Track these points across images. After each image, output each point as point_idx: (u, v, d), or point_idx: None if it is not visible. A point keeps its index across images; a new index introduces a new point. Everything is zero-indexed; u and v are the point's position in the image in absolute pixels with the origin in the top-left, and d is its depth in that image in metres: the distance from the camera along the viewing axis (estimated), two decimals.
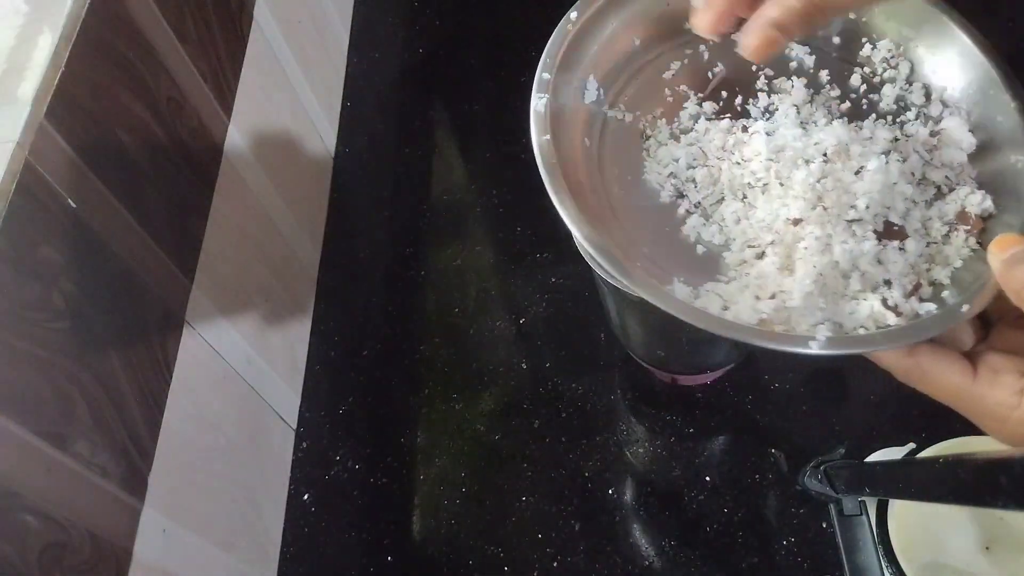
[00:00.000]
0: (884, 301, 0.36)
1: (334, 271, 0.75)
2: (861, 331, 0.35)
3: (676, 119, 0.43)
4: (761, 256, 0.38)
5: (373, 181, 0.80)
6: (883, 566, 0.50)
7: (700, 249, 0.39)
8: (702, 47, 0.44)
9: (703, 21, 0.37)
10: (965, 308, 0.34)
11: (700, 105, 0.43)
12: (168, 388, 0.48)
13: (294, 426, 0.66)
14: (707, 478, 0.59)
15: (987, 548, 0.50)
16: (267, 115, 0.67)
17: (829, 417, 0.60)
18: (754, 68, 0.44)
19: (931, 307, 0.36)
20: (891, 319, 0.35)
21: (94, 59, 0.44)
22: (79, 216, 0.42)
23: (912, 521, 0.50)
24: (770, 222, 0.38)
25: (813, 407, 0.60)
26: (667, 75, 0.44)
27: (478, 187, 0.77)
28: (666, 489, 0.59)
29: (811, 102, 0.43)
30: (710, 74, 0.44)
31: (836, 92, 0.43)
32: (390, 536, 0.61)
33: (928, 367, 0.34)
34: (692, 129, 0.43)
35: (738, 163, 0.41)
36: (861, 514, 0.53)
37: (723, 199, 0.40)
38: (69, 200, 0.41)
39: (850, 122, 0.42)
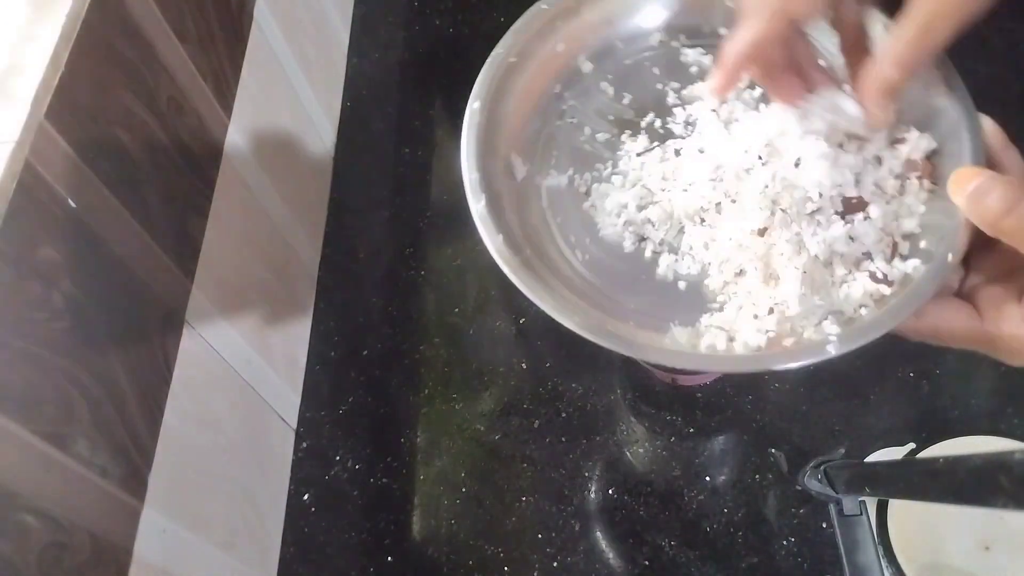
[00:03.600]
0: (872, 275, 0.36)
1: (334, 271, 0.75)
2: (863, 312, 0.35)
3: (607, 166, 0.42)
4: (741, 273, 0.38)
5: (373, 181, 0.80)
6: (883, 566, 0.50)
7: (681, 285, 0.39)
8: (603, 84, 0.44)
9: (715, 83, 0.37)
10: (950, 257, 0.34)
11: (622, 144, 0.43)
12: (168, 388, 0.48)
13: (294, 426, 0.66)
14: (707, 478, 0.59)
15: (987, 548, 0.50)
16: (267, 115, 0.67)
17: (829, 417, 0.60)
18: (660, 86, 0.43)
19: (916, 263, 0.35)
20: (885, 290, 0.35)
21: (94, 59, 0.44)
22: (79, 216, 0.42)
23: (912, 521, 0.50)
24: (739, 239, 0.38)
25: (813, 407, 0.60)
26: (585, 130, 0.43)
27: None
28: (666, 489, 0.59)
29: (725, 101, 0.42)
30: (622, 108, 0.43)
31: (743, 82, 0.42)
32: (390, 536, 0.61)
33: (937, 324, 0.34)
34: (628, 170, 0.42)
35: (684, 190, 0.40)
36: (861, 514, 0.53)
37: (683, 229, 0.40)
38: (69, 200, 0.41)
39: (767, 105, 0.41)
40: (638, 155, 0.42)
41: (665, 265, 0.39)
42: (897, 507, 0.51)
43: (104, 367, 0.42)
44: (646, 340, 0.36)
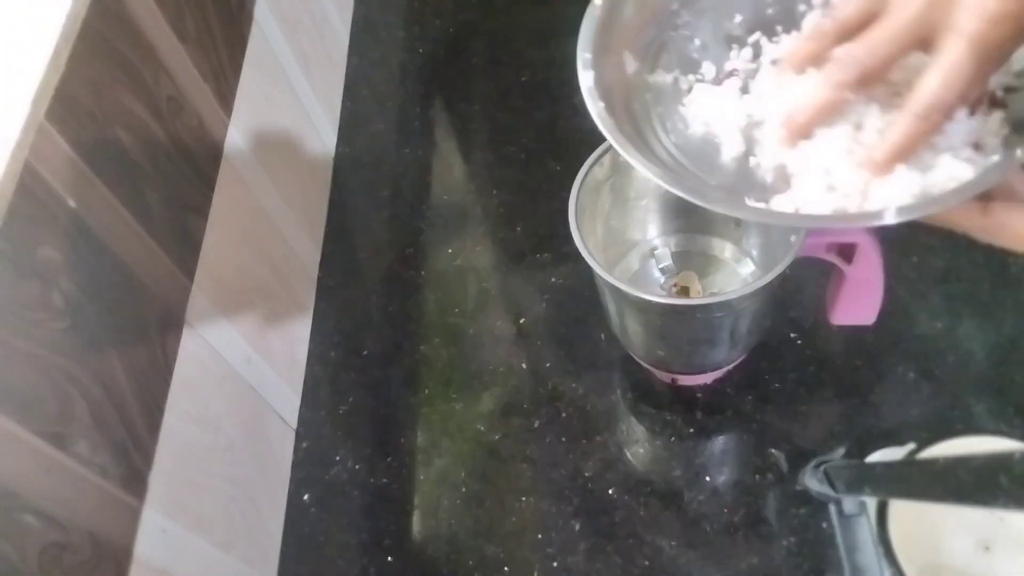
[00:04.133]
0: (955, 154, 0.36)
1: (334, 271, 0.75)
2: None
3: (712, 71, 0.44)
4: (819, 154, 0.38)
5: (373, 181, 0.80)
6: (883, 566, 0.50)
7: (763, 172, 0.40)
8: (718, 3, 0.45)
9: (795, 59, 0.39)
10: (1020, 152, 0.34)
11: (729, 56, 0.44)
12: (168, 388, 0.48)
13: (294, 426, 0.66)
14: (707, 478, 0.59)
15: (987, 548, 0.50)
16: (267, 115, 0.67)
17: (829, 417, 0.60)
18: (770, 11, 0.45)
19: (996, 157, 0.35)
20: (967, 173, 0.35)
21: (94, 59, 0.44)
22: (79, 216, 0.42)
23: (912, 521, 0.50)
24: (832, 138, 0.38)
25: (813, 407, 0.60)
26: (696, 41, 0.45)
27: (478, 187, 0.77)
28: (666, 489, 0.59)
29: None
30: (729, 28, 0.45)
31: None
32: (390, 536, 0.61)
33: (1004, 220, 0.34)
34: (727, 78, 0.43)
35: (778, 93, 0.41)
36: (861, 514, 0.53)
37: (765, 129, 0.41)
38: (69, 200, 0.41)
39: None
40: (752, 63, 0.43)
41: (747, 156, 0.40)
42: (897, 507, 0.51)
43: (104, 367, 0.42)
44: (715, 195, 0.38)
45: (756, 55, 0.44)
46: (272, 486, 0.62)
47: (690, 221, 0.62)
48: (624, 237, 0.61)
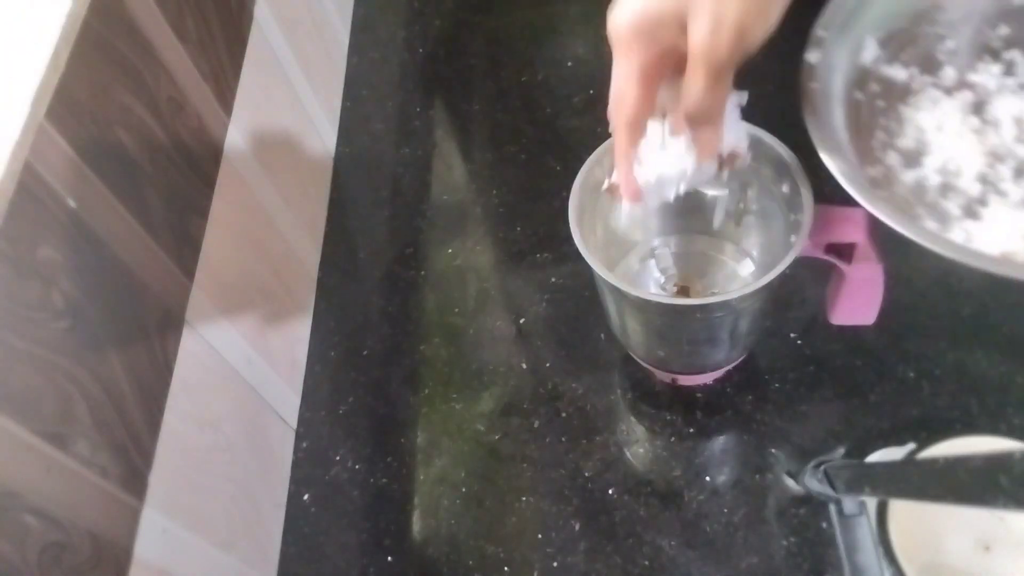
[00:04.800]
0: None
1: (334, 271, 0.75)
2: None
3: (952, 79, 0.41)
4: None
5: (373, 181, 0.80)
6: (883, 566, 0.50)
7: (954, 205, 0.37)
8: (983, 6, 0.42)
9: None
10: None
11: (976, 69, 0.41)
12: (168, 388, 0.48)
13: (294, 426, 0.66)
14: (707, 478, 0.59)
15: (987, 548, 0.50)
16: (267, 115, 0.67)
17: (829, 417, 0.60)
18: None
19: None
20: None
21: (94, 59, 0.44)
22: (79, 216, 0.42)
23: (912, 521, 0.50)
24: None
25: (813, 407, 0.60)
26: (947, 42, 0.42)
27: (478, 187, 0.77)
28: (666, 489, 0.59)
29: None
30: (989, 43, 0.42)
31: None
32: (390, 536, 0.61)
33: None
34: (963, 90, 0.41)
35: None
36: (861, 514, 0.53)
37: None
38: (69, 200, 0.41)
39: None
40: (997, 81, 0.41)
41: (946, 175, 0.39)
42: (897, 507, 0.51)
43: (104, 367, 0.42)
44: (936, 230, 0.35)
45: (1007, 72, 0.40)
46: (272, 486, 0.62)
47: (690, 221, 0.62)
48: (624, 237, 0.61)
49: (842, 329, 0.57)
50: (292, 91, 0.73)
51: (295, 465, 0.65)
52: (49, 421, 0.38)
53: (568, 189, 0.52)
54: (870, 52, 0.41)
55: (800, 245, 0.47)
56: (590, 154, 0.53)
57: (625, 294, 0.49)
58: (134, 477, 0.44)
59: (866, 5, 0.40)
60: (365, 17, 0.92)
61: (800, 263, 0.48)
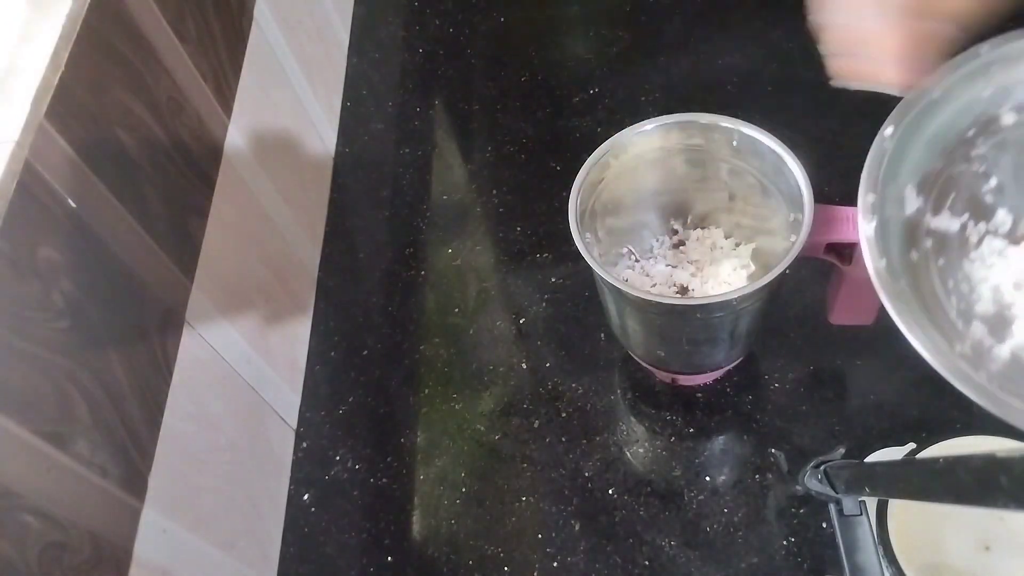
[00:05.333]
0: None
1: (334, 271, 0.75)
2: None
3: (1008, 222, 0.38)
4: None
5: (373, 181, 0.80)
6: (883, 566, 0.50)
7: None
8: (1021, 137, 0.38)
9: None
10: None
11: None
12: (168, 388, 0.48)
13: (294, 426, 0.66)
14: (707, 478, 0.59)
15: (987, 548, 0.50)
16: (267, 115, 0.67)
17: (829, 417, 0.60)
18: None
19: None
20: None
21: (94, 59, 0.44)
22: (79, 216, 0.42)
23: (912, 521, 0.50)
24: None
25: (813, 407, 0.60)
26: (992, 180, 0.39)
27: (478, 187, 0.77)
28: (666, 489, 0.59)
29: None
30: None
31: None
32: (390, 536, 0.61)
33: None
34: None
35: None
36: (861, 514, 0.53)
37: None
38: (69, 200, 0.41)
39: None
40: None
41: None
42: (897, 507, 0.51)
43: (104, 367, 0.42)
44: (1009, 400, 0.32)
45: None
46: (272, 486, 0.62)
47: (689, 221, 0.62)
48: (624, 237, 0.61)
49: (842, 329, 0.57)
50: (292, 91, 0.73)
51: (295, 465, 0.65)
52: (49, 421, 0.38)
53: (568, 189, 0.52)
54: (912, 203, 0.38)
55: (800, 245, 0.47)
56: (590, 154, 0.53)
57: (625, 294, 0.49)
58: (134, 477, 0.44)
59: (905, 153, 0.38)
60: (365, 17, 0.92)
61: (800, 263, 0.48)
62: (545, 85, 0.82)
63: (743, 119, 0.51)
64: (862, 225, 0.36)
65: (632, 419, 0.63)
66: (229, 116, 0.59)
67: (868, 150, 0.38)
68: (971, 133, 0.39)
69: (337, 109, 0.84)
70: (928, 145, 0.38)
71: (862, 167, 0.38)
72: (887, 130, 0.37)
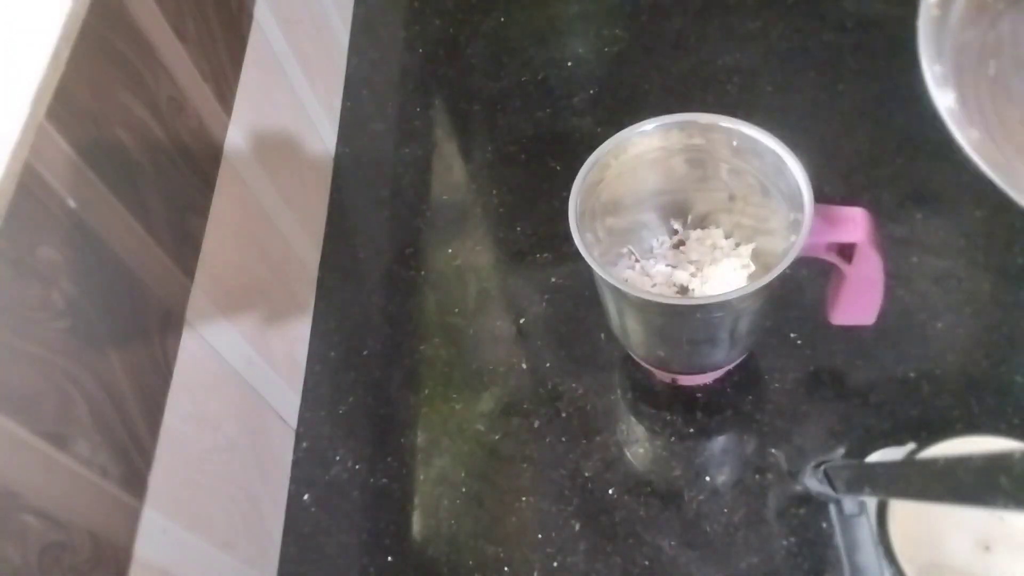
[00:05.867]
0: None
1: (334, 271, 0.75)
2: None
3: None
4: None
5: (373, 181, 0.80)
6: (883, 566, 0.50)
7: None
8: None
9: None
10: None
11: None
12: (168, 388, 0.48)
13: (294, 426, 0.66)
14: (707, 478, 0.59)
15: (987, 548, 0.50)
16: (267, 115, 0.67)
17: (829, 417, 0.60)
18: None
19: None
20: None
21: (94, 59, 0.44)
22: (79, 216, 0.42)
23: (912, 521, 0.50)
24: None
25: (813, 407, 0.60)
26: None
27: (478, 187, 0.77)
28: (666, 489, 0.59)
29: None
30: None
31: None
32: (390, 536, 0.61)
33: None
34: None
35: None
36: (861, 514, 0.53)
37: None
38: (69, 200, 0.41)
39: None
40: None
41: None
42: (897, 507, 0.51)
43: (104, 367, 0.42)
44: None
45: None
46: (272, 486, 0.62)
47: (689, 221, 0.62)
48: (624, 237, 0.61)
49: (842, 329, 0.57)
50: (292, 91, 0.73)
51: (295, 465, 0.65)
52: (49, 421, 0.38)
53: (568, 189, 0.52)
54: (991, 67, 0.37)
55: (800, 245, 0.47)
56: (590, 154, 0.53)
57: (625, 294, 0.49)
58: (134, 477, 0.44)
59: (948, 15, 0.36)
60: (365, 17, 0.92)
61: (800, 263, 0.48)
62: (545, 85, 0.82)
63: (743, 119, 0.51)
64: (938, 98, 0.34)
65: (632, 419, 0.63)
66: (229, 116, 0.59)
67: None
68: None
69: (337, 109, 0.84)
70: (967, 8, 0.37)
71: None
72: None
